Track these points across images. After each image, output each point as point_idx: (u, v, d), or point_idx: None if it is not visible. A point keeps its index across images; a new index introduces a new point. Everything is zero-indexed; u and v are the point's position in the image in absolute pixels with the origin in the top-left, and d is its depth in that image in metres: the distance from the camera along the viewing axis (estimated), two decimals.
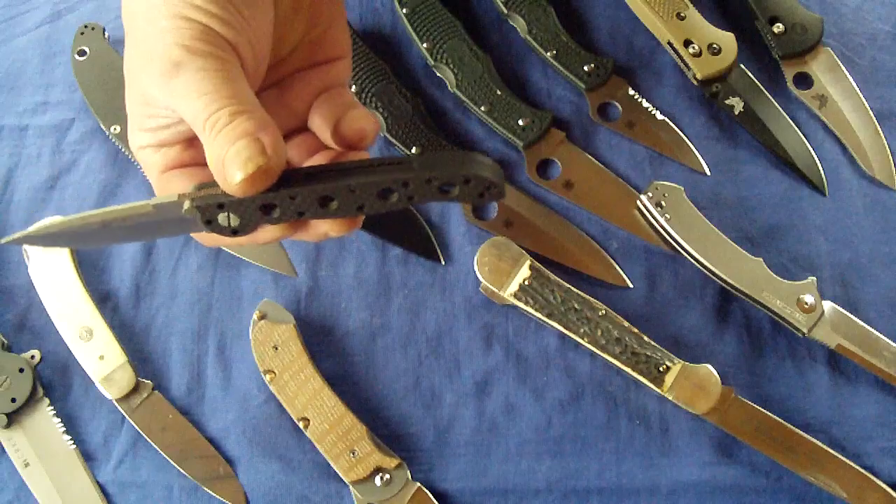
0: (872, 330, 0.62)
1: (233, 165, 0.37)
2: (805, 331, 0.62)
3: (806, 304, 0.62)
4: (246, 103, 0.38)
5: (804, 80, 0.71)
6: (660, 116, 0.70)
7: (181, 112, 0.39)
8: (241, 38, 0.40)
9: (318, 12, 0.46)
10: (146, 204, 0.40)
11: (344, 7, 0.47)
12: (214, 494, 0.62)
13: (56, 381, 0.65)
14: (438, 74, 0.72)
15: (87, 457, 0.63)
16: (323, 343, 0.65)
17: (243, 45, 0.40)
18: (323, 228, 0.43)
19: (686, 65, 0.71)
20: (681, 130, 0.70)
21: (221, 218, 0.40)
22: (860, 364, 0.62)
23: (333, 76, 0.47)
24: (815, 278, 0.63)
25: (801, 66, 0.71)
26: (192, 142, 0.43)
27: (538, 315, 0.63)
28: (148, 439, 0.63)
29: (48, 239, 0.43)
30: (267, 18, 0.42)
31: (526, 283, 0.63)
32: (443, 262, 0.67)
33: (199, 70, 0.38)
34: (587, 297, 0.63)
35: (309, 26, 0.46)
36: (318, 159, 0.45)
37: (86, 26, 0.73)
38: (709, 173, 0.69)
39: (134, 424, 0.63)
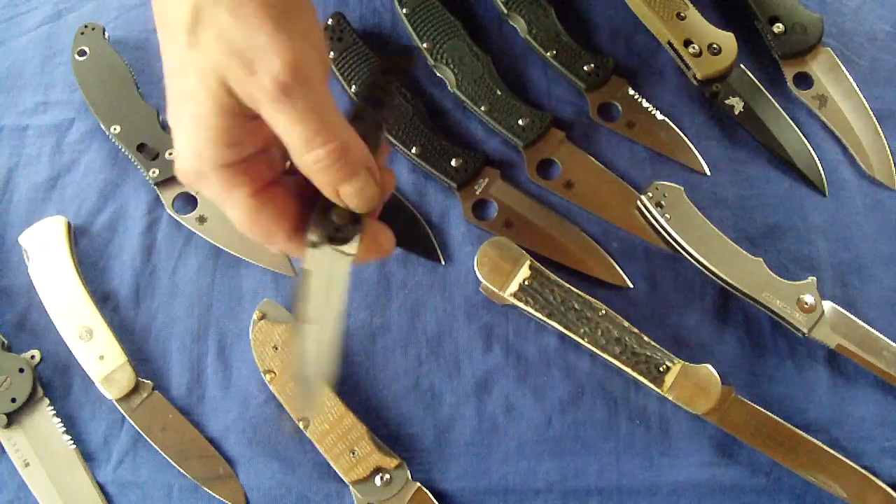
0: (872, 330, 0.62)
1: (354, 198, 0.42)
2: (805, 331, 0.62)
3: (806, 304, 0.62)
4: (344, 131, 0.42)
5: (804, 80, 0.71)
6: (660, 116, 0.70)
7: (279, 131, 0.40)
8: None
9: None
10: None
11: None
12: (214, 494, 0.62)
13: (56, 381, 0.65)
14: (438, 74, 0.72)
15: (87, 457, 0.63)
16: None
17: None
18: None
19: (686, 65, 0.71)
20: (681, 130, 0.70)
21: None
22: (860, 364, 0.62)
23: None
24: (815, 278, 0.63)
25: (801, 66, 0.71)
26: (269, 153, 0.43)
27: (538, 315, 0.63)
28: (148, 439, 0.63)
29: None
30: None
31: (526, 283, 0.63)
32: (443, 262, 0.67)
33: (307, 97, 0.39)
34: (587, 297, 0.63)
35: None
36: None
37: (86, 26, 0.73)
38: (709, 173, 0.69)
39: (134, 424, 0.63)
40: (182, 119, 0.41)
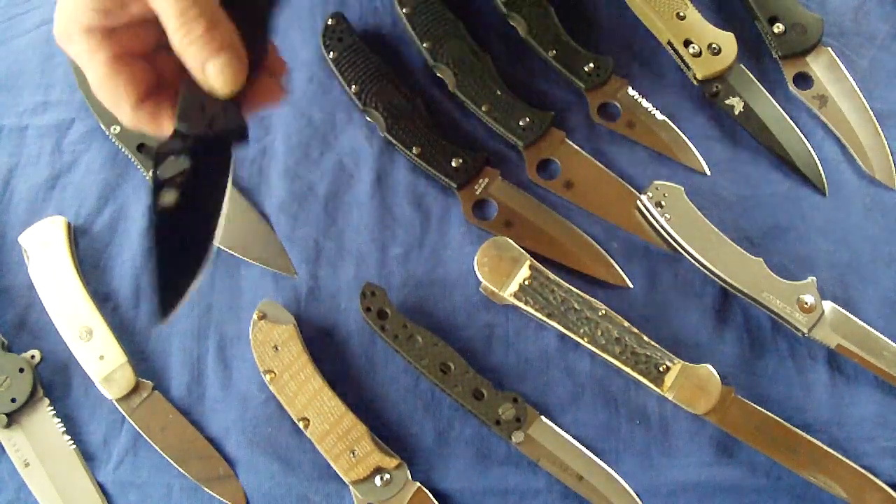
0: (872, 330, 0.62)
1: (218, 76, 0.44)
2: (805, 331, 0.62)
3: (806, 304, 0.62)
4: (215, 12, 0.43)
5: (804, 80, 0.71)
6: (660, 116, 0.70)
7: (156, 7, 0.43)
8: None
9: None
10: None
11: None
12: (214, 494, 0.62)
13: (56, 381, 0.65)
14: (438, 74, 0.72)
15: (87, 457, 0.63)
16: (323, 343, 0.65)
17: None
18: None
19: (686, 65, 0.71)
20: (681, 130, 0.70)
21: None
22: (860, 364, 0.62)
23: None
24: (815, 278, 0.63)
25: (801, 66, 0.71)
26: (139, 27, 0.46)
27: (538, 315, 0.63)
28: (148, 439, 0.63)
29: None
30: None
31: (526, 283, 0.63)
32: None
33: None
34: (587, 297, 0.63)
35: None
36: None
37: None
38: (709, 173, 0.69)
39: (134, 424, 0.63)
40: None
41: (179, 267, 0.46)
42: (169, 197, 0.46)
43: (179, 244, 0.46)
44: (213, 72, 0.44)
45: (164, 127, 0.47)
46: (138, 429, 0.63)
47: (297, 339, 0.63)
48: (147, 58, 0.47)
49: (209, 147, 0.46)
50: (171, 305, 0.45)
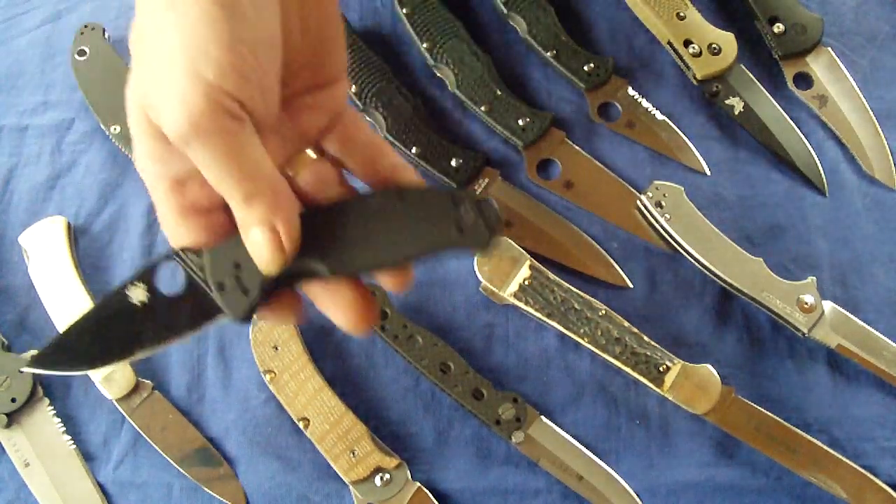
0: (872, 330, 0.62)
1: (253, 248, 0.40)
2: (805, 331, 0.62)
3: (806, 304, 0.62)
4: (257, 178, 0.39)
5: (804, 80, 0.71)
6: (660, 116, 0.70)
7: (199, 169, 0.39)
8: (254, 88, 0.38)
9: (323, 34, 0.44)
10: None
11: (343, 25, 0.46)
12: (214, 494, 0.62)
13: (56, 381, 0.65)
14: (438, 74, 0.72)
15: (87, 457, 0.63)
16: (323, 343, 0.65)
17: (256, 96, 0.39)
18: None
19: (686, 65, 0.71)
20: (681, 130, 0.70)
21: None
22: (860, 364, 0.62)
23: (339, 97, 0.46)
24: (815, 278, 0.63)
25: (801, 66, 0.71)
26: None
27: (538, 315, 0.63)
28: (148, 439, 0.63)
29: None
30: (277, 54, 0.40)
31: (526, 283, 0.63)
32: None
33: (204, 148, 0.38)
34: (587, 297, 0.63)
35: (315, 49, 0.44)
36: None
37: (86, 26, 0.73)
38: (709, 173, 0.69)
39: (134, 424, 0.63)
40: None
41: (96, 343, 0.41)
42: (138, 294, 0.41)
43: (116, 329, 0.41)
44: (251, 241, 0.39)
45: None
46: (138, 429, 0.63)
47: (297, 339, 0.63)
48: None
49: (204, 297, 0.41)
50: (48, 364, 0.42)
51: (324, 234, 0.41)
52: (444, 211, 0.40)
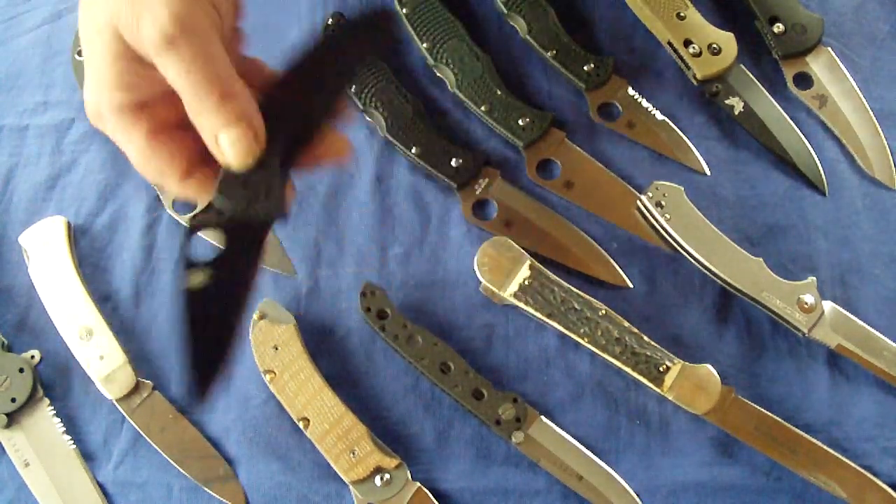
0: (872, 330, 0.62)
1: (229, 148, 0.42)
2: (805, 331, 0.62)
3: (806, 304, 0.62)
4: (231, 80, 0.42)
5: (804, 80, 0.71)
6: (660, 116, 0.70)
7: (170, 80, 0.41)
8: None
9: None
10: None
11: None
12: (214, 494, 0.62)
13: (56, 381, 0.65)
14: (438, 74, 0.72)
15: (87, 457, 0.63)
16: (323, 343, 0.65)
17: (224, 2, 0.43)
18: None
19: (686, 65, 0.71)
20: (681, 130, 0.70)
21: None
22: (860, 364, 0.62)
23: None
24: (815, 278, 0.63)
25: (801, 66, 0.71)
26: (173, 96, 0.43)
27: (538, 315, 0.63)
28: (148, 439, 0.63)
29: None
30: None
31: (526, 283, 0.63)
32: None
33: (189, 48, 0.40)
34: (587, 297, 0.63)
35: None
36: None
37: None
38: (709, 173, 0.69)
39: (134, 424, 0.63)
40: (86, 61, 0.44)
41: (208, 348, 0.44)
42: (197, 277, 0.44)
43: (207, 325, 0.44)
44: (225, 143, 0.42)
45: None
46: (138, 429, 0.63)
47: (297, 339, 0.63)
48: (189, 126, 0.44)
49: (245, 226, 0.44)
50: (203, 387, 0.44)
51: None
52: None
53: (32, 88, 0.75)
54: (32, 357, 0.65)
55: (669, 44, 0.71)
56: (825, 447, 0.60)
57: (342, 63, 0.45)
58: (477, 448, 0.63)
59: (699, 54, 0.70)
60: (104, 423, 0.64)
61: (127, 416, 0.63)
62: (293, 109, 0.45)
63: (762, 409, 0.61)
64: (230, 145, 0.42)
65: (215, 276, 0.44)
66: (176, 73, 0.41)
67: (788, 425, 0.60)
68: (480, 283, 0.64)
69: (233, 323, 0.45)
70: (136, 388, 0.64)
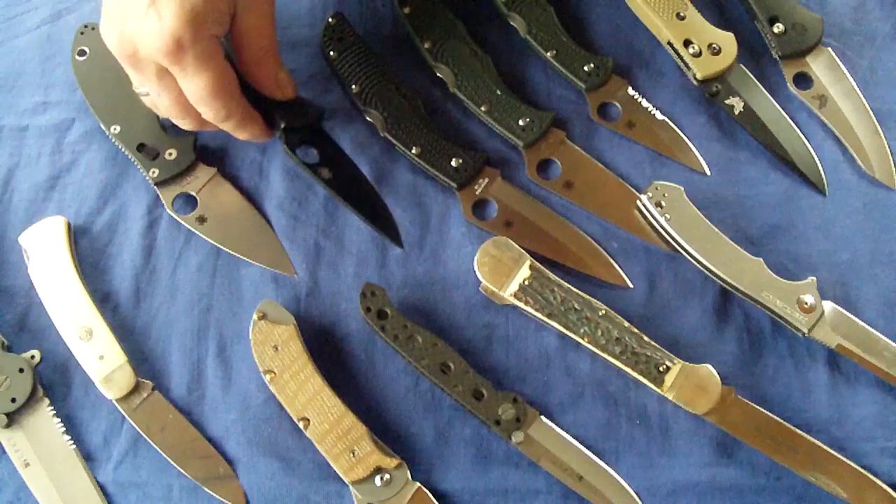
0: (872, 330, 0.62)
1: (288, 84, 0.63)
2: (805, 331, 0.62)
3: (806, 304, 0.62)
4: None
5: (804, 80, 0.71)
6: (660, 116, 0.70)
7: (252, 26, 0.57)
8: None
9: None
10: None
11: None
12: (214, 494, 0.62)
13: (56, 381, 0.65)
14: (438, 74, 0.72)
15: (87, 457, 0.63)
16: (323, 343, 0.65)
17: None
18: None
19: (686, 65, 0.71)
20: (681, 130, 0.70)
21: None
22: (860, 364, 0.62)
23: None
24: (815, 278, 0.63)
25: (801, 66, 0.71)
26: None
27: (538, 315, 0.63)
28: (148, 439, 0.63)
29: None
30: None
31: (526, 283, 0.63)
32: (402, 248, 0.68)
33: (270, 5, 0.59)
34: (587, 297, 0.63)
35: None
36: None
37: (86, 26, 0.73)
38: (709, 173, 0.69)
39: (134, 424, 0.63)
40: None
41: (376, 209, 0.66)
42: (326, 172, 0.64)
43: (361, 196, 0.65)
44: (284, 80, 0.62)
45: (253, 132, 0.62)
46: (138, 429, 0.63)
47: (297, 339, 0.63)
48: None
49: (313, 130, 0.66)
50: (398, 235, 0.66)
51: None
52: None
53: (32, 88, 0.75)
54: (32, 357, 0.65)
55: (669, 44, 0.71)
56: (825, 447, 0.60)
57: None
58: (477, 448, 0.63)
59: (699, 54, 0.70)
60: (104, 423, 0.64)
61: (127, 416, 0.63)
62: None
63: (762, 409, 0.61)
64: (288, 82, 0.62)
65: (333, 166, 0.65)
66: (265, 23, 0.55)
67: (788, 425, 0.60)
68: (480, 283, 0.64)
69: (368, 183, 0.67)
70: (136, 388, 0.64)
